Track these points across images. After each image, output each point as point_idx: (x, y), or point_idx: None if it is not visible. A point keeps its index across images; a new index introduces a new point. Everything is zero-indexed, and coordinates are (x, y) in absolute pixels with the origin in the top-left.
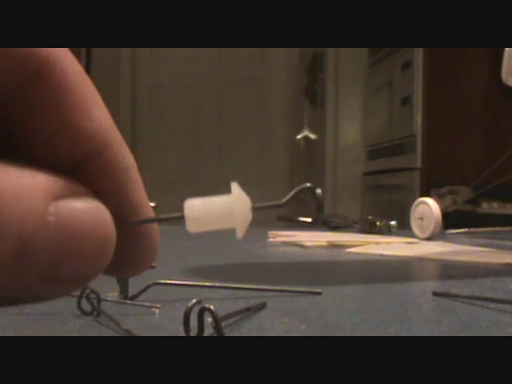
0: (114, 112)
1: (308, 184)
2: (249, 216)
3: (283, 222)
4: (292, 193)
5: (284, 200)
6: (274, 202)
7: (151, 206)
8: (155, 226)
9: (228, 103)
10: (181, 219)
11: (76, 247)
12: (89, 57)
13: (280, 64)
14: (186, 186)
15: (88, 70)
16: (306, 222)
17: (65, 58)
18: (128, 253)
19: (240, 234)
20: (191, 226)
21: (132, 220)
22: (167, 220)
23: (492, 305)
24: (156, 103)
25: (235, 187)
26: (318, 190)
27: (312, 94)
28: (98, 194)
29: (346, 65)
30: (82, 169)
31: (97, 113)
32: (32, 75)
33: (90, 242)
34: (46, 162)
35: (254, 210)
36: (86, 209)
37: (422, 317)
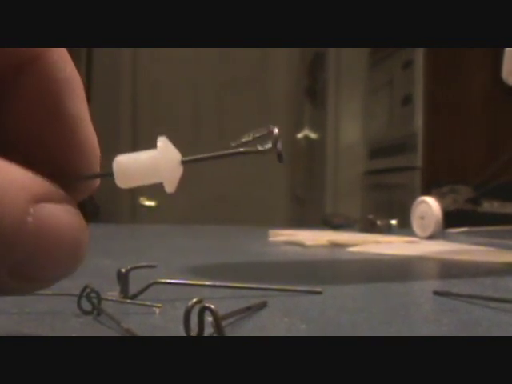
0: (115, 110)
1: (273, 127)
2: (178, 170)
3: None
4: (246, 138)
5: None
6: (216, 153)
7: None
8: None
9: (228, 103)
10: (111, 175)
11: (50, 249)
12: (90, 56)
13: (281, 64)
14: (187, 184)
15: (89, 69)
16: (261, 152)
17: None
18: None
19: (168, 188)
20: (120, 181)
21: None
22: (99, 177)
23: (493, 304)
24: (157, 102)
25: (162, 141)
26: (275, 128)
27: (313, 94)
28: (35, 105)
29: (347, 65)
30: (18, 75)
31: None
32: None
33: (64, 246)
34: None
35: (187, 163)
36: (64, 214)
37: (422, 316)
